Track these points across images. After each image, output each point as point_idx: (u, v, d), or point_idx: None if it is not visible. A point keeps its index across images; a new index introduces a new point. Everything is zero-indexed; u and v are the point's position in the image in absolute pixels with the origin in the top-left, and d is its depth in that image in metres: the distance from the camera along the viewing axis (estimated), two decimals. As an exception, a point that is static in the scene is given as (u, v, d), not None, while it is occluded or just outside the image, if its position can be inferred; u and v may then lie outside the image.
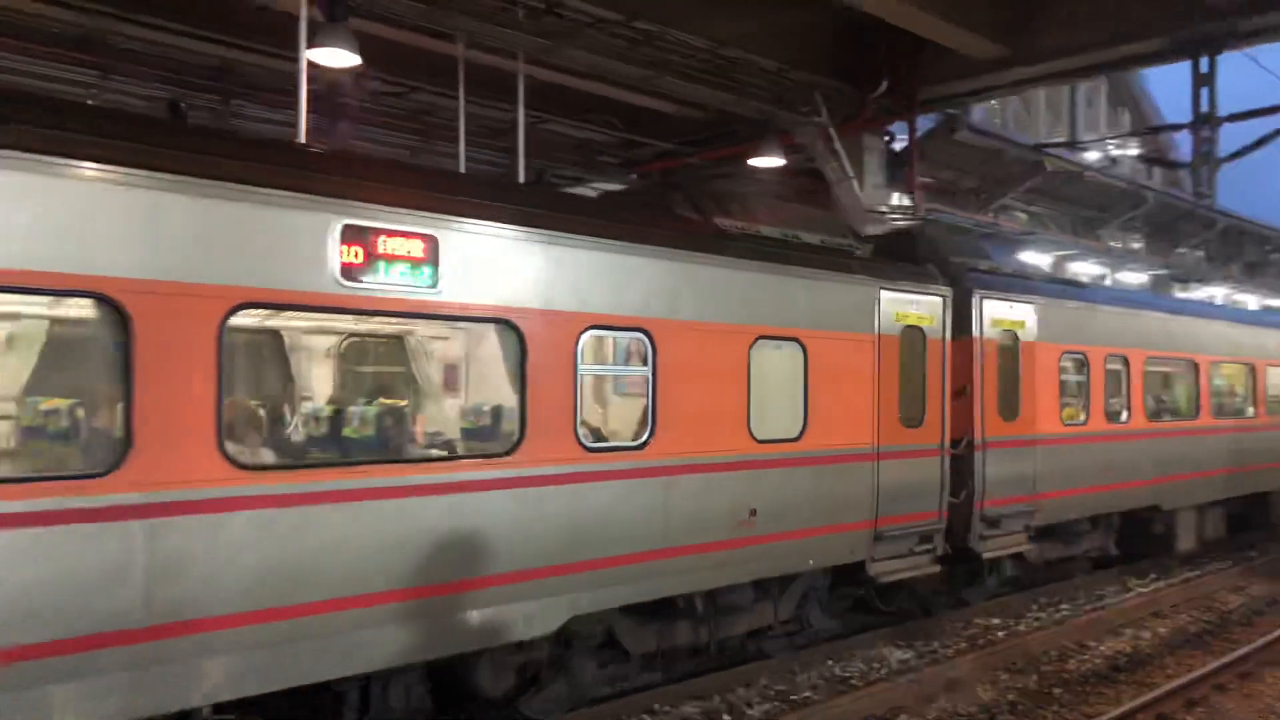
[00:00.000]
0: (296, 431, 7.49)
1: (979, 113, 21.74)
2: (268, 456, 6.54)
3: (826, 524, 9.38)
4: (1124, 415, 13.50)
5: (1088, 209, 23.52)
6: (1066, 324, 12.61)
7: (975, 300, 11.31)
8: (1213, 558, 15.28)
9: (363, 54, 10.77)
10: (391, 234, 6.49)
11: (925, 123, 17.68)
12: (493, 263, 6.98)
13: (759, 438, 8.73)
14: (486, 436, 7.55)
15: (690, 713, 8.39)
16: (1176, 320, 15.11)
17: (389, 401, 7.67)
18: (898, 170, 17.20)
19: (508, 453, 7.02)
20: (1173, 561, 14.63)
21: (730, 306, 8.60)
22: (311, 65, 10.53)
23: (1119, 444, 13.29)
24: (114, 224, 5.37)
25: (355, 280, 6.32)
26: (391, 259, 6.49)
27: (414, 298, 6.59)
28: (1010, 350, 11.70)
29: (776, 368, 9.01)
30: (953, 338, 10.89)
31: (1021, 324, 11.92)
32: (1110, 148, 21.86)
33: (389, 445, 7.27)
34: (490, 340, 7.41)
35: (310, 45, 10.30)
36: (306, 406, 7.80)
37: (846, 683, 9.24)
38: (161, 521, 5.45)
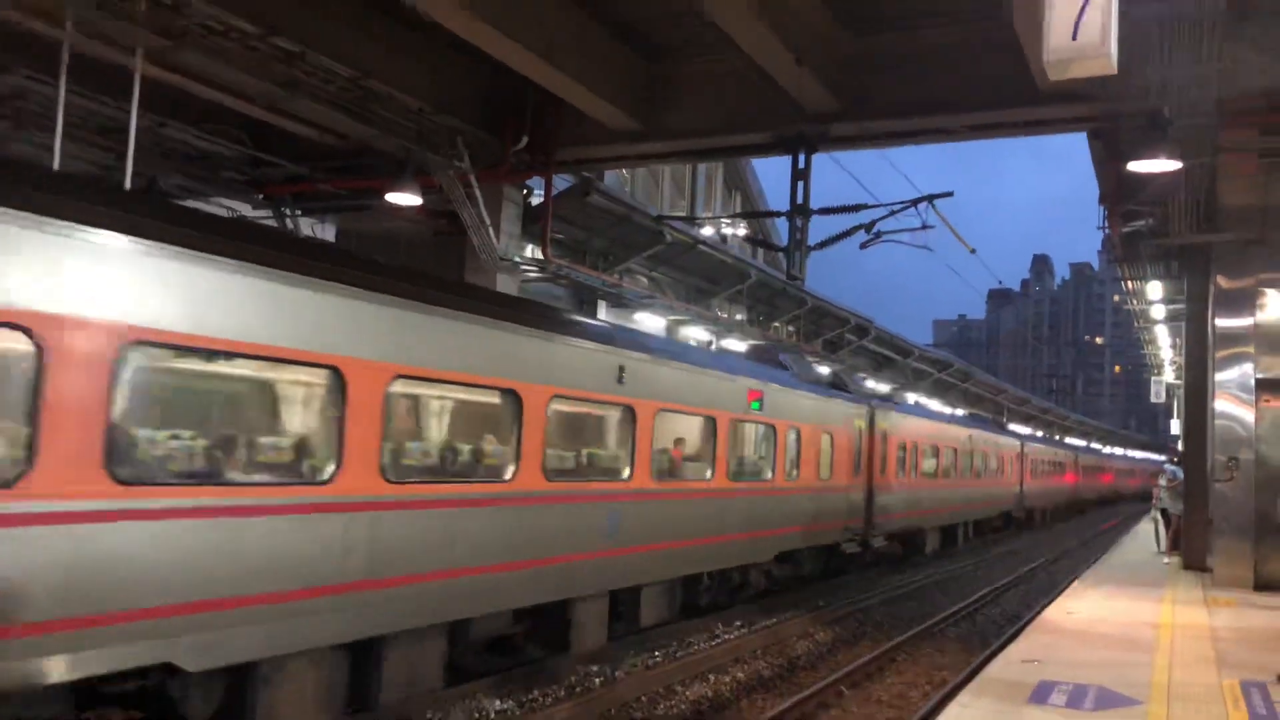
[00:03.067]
0: None
1: (612, 178, 22.91)
2: None
3: (829, 522, 18.20)
4: (914, 474, 23.66)
5: (701, 279, 25.49)
6: (905, 425, 22.73)
7: (876, 413, 20.78)
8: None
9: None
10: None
11: (562, 181, 18.33)
12: None
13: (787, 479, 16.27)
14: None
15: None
16: (942, 423, 27.32)
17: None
18: (533, 224, 17.65)
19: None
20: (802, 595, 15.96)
21: (806, 412, 16.99)
22: None
23: (921, 490, 24.06)
24: None
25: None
26: None
27: None
28: (885, 439, 21.22)
29: (825, 445, 17.85)
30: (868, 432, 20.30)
31: (891, 425, 21.60)
32: (723, 225, 23.92)
33: None
34: None
35: None
36: None
37: (446, 736, 9.07)
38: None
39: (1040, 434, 50.05)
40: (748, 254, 28.08)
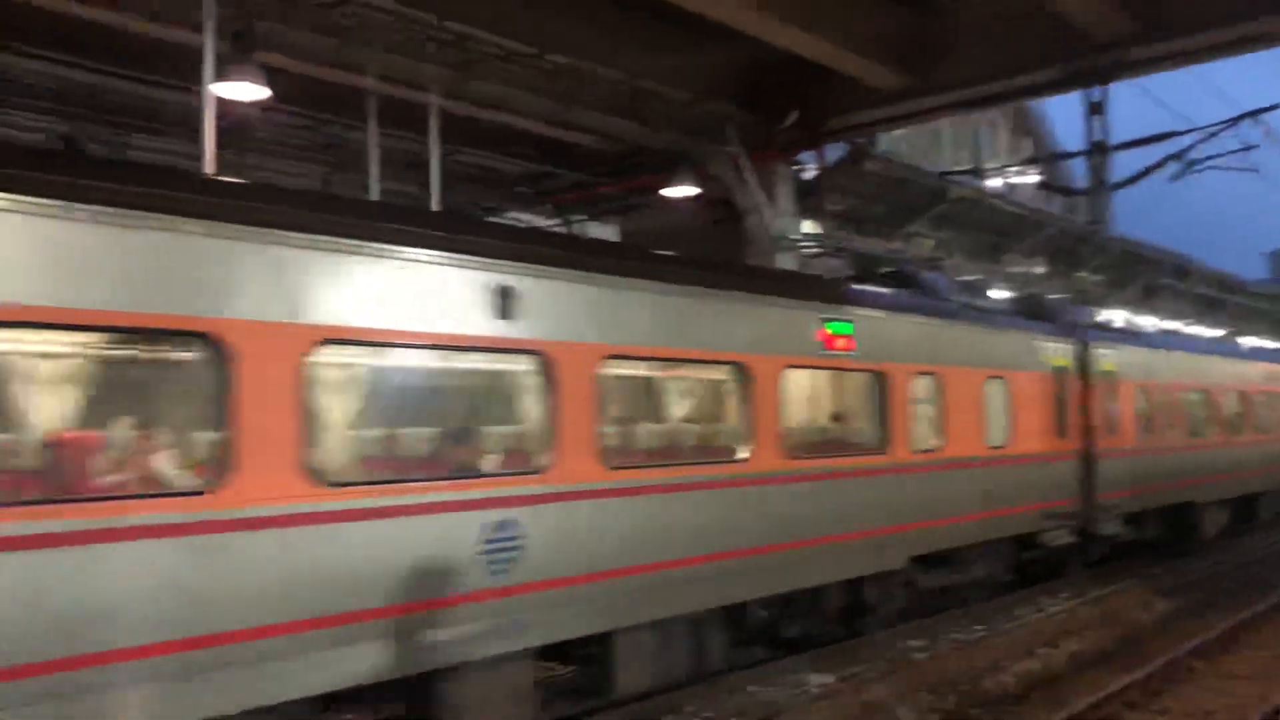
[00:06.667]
0: None
1: (885, 141, 22.26)
2: None
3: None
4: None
5: (991, 235, 24.22)
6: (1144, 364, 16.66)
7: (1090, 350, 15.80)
8: (1121, 577, 15.70)
9: (271, 86, 10.57)
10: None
11: (833, 152, 18.03)
12: None
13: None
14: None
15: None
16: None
17: None
18: (808, 199, 17.51)
19: None
20: (1085, 581, 15.04)
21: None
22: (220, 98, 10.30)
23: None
24: None
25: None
26: None
27: None
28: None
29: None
30: None
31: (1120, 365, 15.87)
32: (1011, 175, 22.59)
33: None
34: None
35: (217, 79, 10.07)
36: None
37: (774, 706, 9.22)
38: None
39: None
40: (1042, 202, 26.35)
